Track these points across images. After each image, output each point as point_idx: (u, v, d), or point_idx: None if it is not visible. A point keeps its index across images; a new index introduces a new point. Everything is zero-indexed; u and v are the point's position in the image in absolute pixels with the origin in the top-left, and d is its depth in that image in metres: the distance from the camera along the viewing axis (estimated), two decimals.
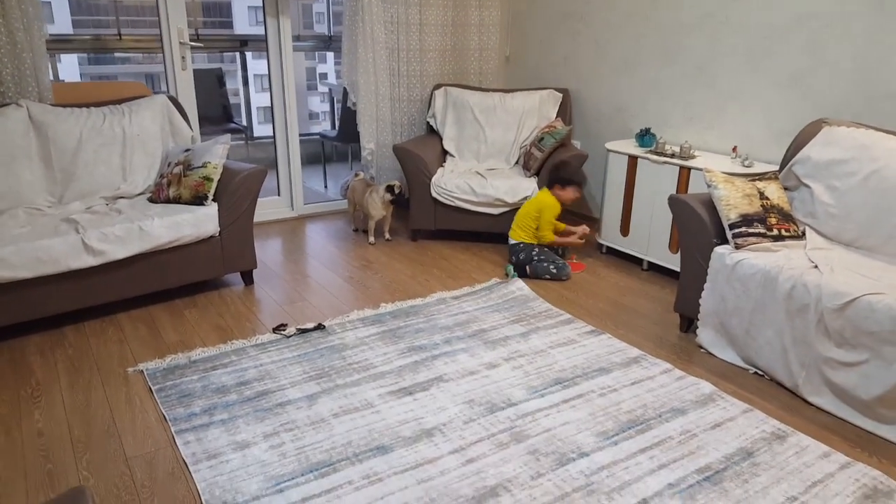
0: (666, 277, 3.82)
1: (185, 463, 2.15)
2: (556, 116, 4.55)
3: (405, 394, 2.56)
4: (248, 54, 7.23)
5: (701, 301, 2.92)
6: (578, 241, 3.89)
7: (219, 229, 3.39)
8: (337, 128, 6.01)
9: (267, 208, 4.82)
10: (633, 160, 3.83)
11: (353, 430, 2.32)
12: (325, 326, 3.11)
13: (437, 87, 4.74)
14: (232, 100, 6.44)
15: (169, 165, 3.49)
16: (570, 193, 3.82)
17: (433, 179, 4.19)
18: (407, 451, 2.21)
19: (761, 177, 3.01)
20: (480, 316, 3.25)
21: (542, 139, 4.26)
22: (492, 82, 5.12)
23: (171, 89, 4.22)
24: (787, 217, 2.89)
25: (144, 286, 3.23)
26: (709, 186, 2.90)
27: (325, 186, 6.04)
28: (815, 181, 2.96)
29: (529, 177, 4.21)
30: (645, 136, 3.92)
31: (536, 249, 3.81)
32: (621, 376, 2.71)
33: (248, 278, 3.67)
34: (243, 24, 17.25)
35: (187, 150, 3.50)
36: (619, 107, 4.43)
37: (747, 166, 3.48)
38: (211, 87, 5.89)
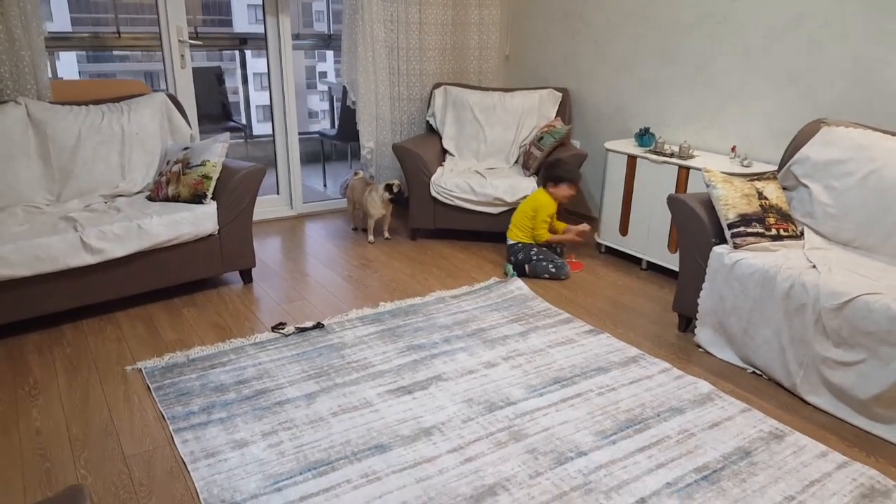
0: (665, 277, 3.82)
1: (184, 461, 2.15)
2: (556, 116, 4.55)
3: (404, 393, 2.56)
4: (248, 52, 7.22)
5: (699, 300, 2.93)
6: (575, 238, 3.89)
7: (218, 228, 3.39)
8: (336, 126, 6.01)
9: (266, 207, 4.82)
10: (632, 160, 3.83)
11: (352, 429, 2.32)
12: (323, 325, 3.11)
13: (437, 85, 4.74)
14: (231, 98, 6.44)
15: (168, 164, 3.49)
16: (563, 191, 3.83)
17: (432, 178, 4.19)
18: (405, 449, 2.21)
19: (760, 177, 3.01)
20: (479, 315, 3.25)
21: (541, 138, 4.26)
22: (491, 81, 5.12)
23: (170, 87, 4.22)
24: (785, 217, 2.89)
25: (143, 285, 3.23)
26: (707, 186, 2.90)
27: (325, 185, 6.04)
28: (814, 181, 2.96)
29: (529, 176, 4.21)
30: (644, 136, 3.92)
31: (535, 249, 3.81)
32: (620, 375, 2.71)
33: (246, 277, 3.67)
34: (243, 22, 17.23)
35: (186, 149, 3.50)
36: (619, 106, 4.43)
37: (746, 166, 3.48)
38: (210, 85, 5.88)
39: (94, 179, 3.47)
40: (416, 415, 2.41)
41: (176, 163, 3.43)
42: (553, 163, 3.90)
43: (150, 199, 3.44)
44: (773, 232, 2.82)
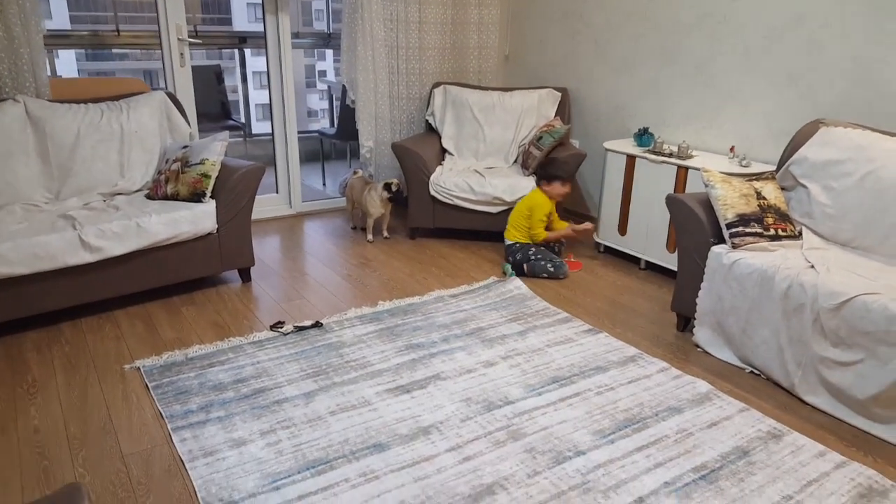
0: (663, 277, 3.83)
1: (182, 460, 2.15)
2: (555, 115, 4.56)
3: (402, 392, 2.56)
4: (247, 51, 7.21)
5: (698, 300, 2.93)
6: (570, 233, 3.89)
7: (216, 226, 3.39)
8: (336, 125, 6.01)
9: (265, 206, 4.82)
10: (631, 159, 3.83)
11: (350, 428, 2.32)
12: (322, 324, 3.11)
13: (437, 85, 4.74)
14: (230, 97, 6.44)
15: (167, 162, 3.49)
16: (557, 189, 3.83)
17: (432, 178, 4.19)
18: (404, 448, 2.21)
19: (758, 177, 3.01)
20: (478, 314, 3.26)
21: (540, 138, 4.26)
22: (491, 81, 5.12)
23: (169, 86, 4.21)
24: (783, 217, 2.90)
25: (142, 283, 3.22)
26: (706, 186, 2.90)
27: (324, 184, 6.04)
28: (812, 181, 2.97)
29: (528, 175, 4.21)
30: (643, 136, 3.92)
31: (533, 249, 3.81)
32: (618, 375, 2.71)
33: (245, 276, 3.67)
34: (242, 20, 17.23)
35: (185, 147, 3.50)
36: (618, 106, 4.43)
37: (745, 166, 3.49)
38: (209, 83, 5.88)
39: (93, 178, 3.46)
40: (414, 414, 2.41)
41: (175, 161, 3.43)
42: (545, 161, 3.92)
43: (148, 197, 3.44)
44: (772, 232, 2.82)
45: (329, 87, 7.72)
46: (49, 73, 3.62)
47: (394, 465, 2.13)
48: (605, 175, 4.01)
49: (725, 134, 3.80)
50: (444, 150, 4.64)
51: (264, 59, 4.60)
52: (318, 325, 3.10)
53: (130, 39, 5.36)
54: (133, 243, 3.09)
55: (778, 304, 2.57)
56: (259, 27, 4.59)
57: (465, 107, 4.60)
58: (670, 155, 3.70)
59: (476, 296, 3.48)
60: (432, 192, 4.19)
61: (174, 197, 3.36)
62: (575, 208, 4.88)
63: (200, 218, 3.29)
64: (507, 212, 4.04)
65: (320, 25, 15.33)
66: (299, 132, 4.81)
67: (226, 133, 3.53)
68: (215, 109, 5.94)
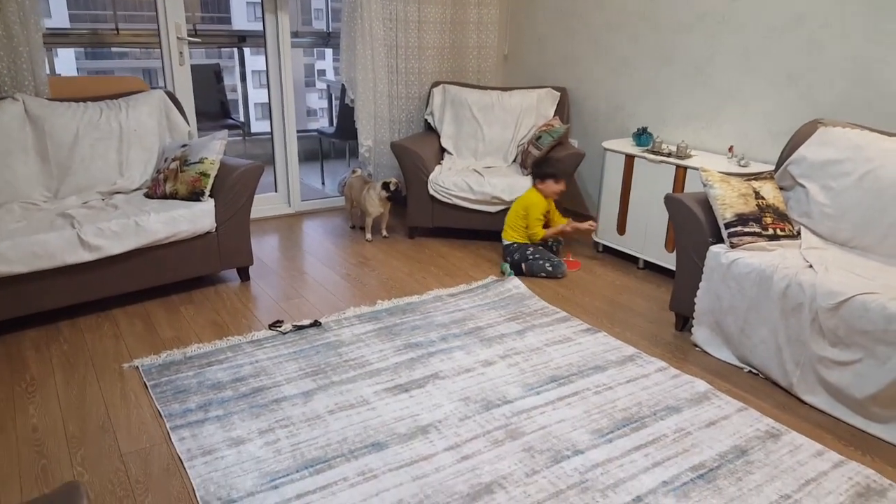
0: (662, 276, 3.83)
1: (180, 459, 2.15)
2: (554, 115, 4.56)
3: (401, 391, 2.56)
4: (247, 50, 7.21)
5: (696, 300, 2.93)
6: (567, 229, 3.88)
7: (215, 225, 3.39)
8: (335, 124, 6.00)
9: (264, 205, 4.82)
10: (629, 159, 3.84)
11: (349, 427, 2.33)
12: (321, 323, 3.11)
13: (436, 84, 4.74)
14: (230, 95, 6.43)
15: (166, 161, 3.49)
16: (551, 187, 3.83)
17: (431, 177, 4.19)
18: (402, 447, 2.22)
19: (757, 176, 3.01)
20: (477, 313, 3.26)
21: (539, 137, 4.26)
22: (490, 80, 5.12)
23: (168, 85, 4.21)
24: (782, 216, 2.90)
25: (140, 282, 3.22)
26: (705, 186, 2.91)
27: (323, 183, 6.04)
28: (811, 181, 2.97)
29: (527, 175, 4.21)
30: (642, 136, 3.92)
31: (531, 248, 3.81)
32: (616, 374, 2.71)
33: (244, 274, 3.67)
34: (241, 19, 17.23)
35: (184, 146, 3.50)
36: (617, 106, 4.43)
37: (743, 166, 3.49)
38: (208, 82, 5.87)
39: (92, 176, 3.46)
40: (412, 413, 2.42)
41: (174, 160, 3.43)
42: (539, 160, 3.92)
43: (147, 196, 3.44)
44: (770, 231, 2.82)
45: (328, 86, 7.72)
46: (48, 72, 3.61)
47: (392, 464, 2.13)
48: (604, 175, 4.01)
49: (724, 134, 3.80)
50: (442, 150, 4.64)
51: (263, 58, 4.59)
52: (316, 324, 3.10)
53: (130, 38, 5.35)
54: (132, 242, 3.09)
55: (776, 303, 2.57)
56: (258, 26, 4.59)
57: (465, 106, 4.60)
58: (669, 155, 3.70)
59: (475, 295, 3.48)
60: (431, 192, 4.19)
61: (173, 196, 3.36)
62: (574, 208, 4.88)
63: (199, 217, 3.29)
64: (506, 211, 4.04)
65: (319, 24, 15.33)
66: (298, 131, 4.81)
67: (225, 132, 3.53)
68: (214, 108, 5.94)
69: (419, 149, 4.25)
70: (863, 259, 2.70)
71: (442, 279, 3.72)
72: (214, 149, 3.41)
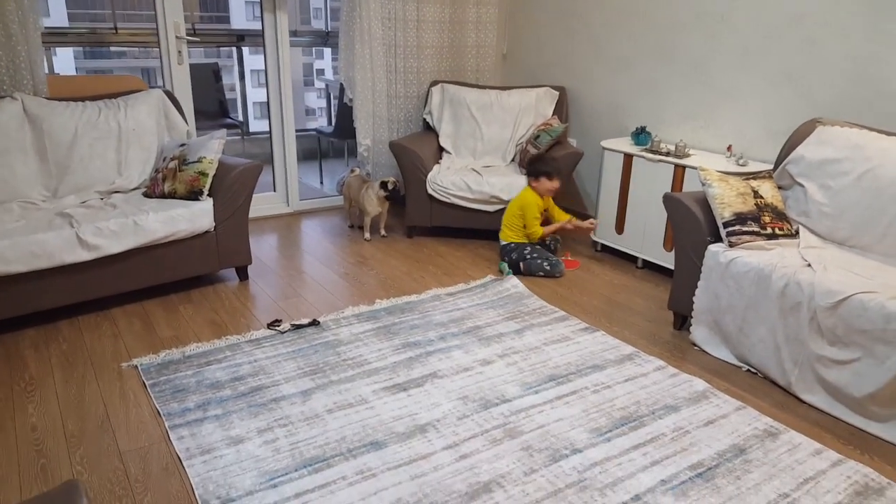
0: (660, 275, 3.83)
1: (179, 458, 2.15)
2: (553, 114, 4.56)
3: (399, 390, 2.56)
4: (245, 49, 7.21)
5: (695, 299, 2.93)
6: (566, 226, 3.88)
7: (214, 224, 3.38)
8: (333, 124, 6.01)
9: (262, 204, 4.82)
10: (628, 158, 3.84)
11: (347, 426, 2.33)
12: (319, 322, 3.11)
13: (434, 83, 4.74)
14: (228, 95, 6.43)
15: (164, 160, 3.49)
16: (545, 184, 3.83)
17: (429, 176, 4.19)
18: (400, 446, 2.22)
19: (755, 175, 3.02)
20: (475, 313, 3.26)
21: (538, 136, 4.26)
22: (489, 79, 5.12)
23: (167, 84, 4.21)
24: (780, 216, 2.90)
25: (139, 281, 3.22)
26: (703, 185, 2.91)
27: (321, 182, 6.04)
28: (809, 180, 2.97)
29: (524, 174, 4.21)
30: (640, 135, 3.92)
31: (528, 248, 3.81)
32: (615, 373, 2.72)
33: (242, 274, 3.67)
34: (240, 18, 17.20)
35: (183, 145, 3.50)
36: (615, 105, 4.43)
37: (742, 165, 3.49)
38: (207, 81, 5.87)
39: (91, 175, 3.46)
40: (411, 412, 2.42)
41: (172, 159, 3.43)
42: (533, 158, 3.92)
43: (146, 195, 3.44)
44: (769, 231, 2.83)
45: (327, 85, 7.72)
46: (47, 71, 3.61)
47: (391, 463, 2.13)
48: (603, 174, 4.01)
49: (723, 133, 3.81)
50: (441, 149, 4.64)
51: (262, 57, 4.59)
52: (315, 323, 3.10)
53: (128, 37, 5.35)
54: (130, 241, 3.08)
55: (775, 302, 2.57)
56: (257, 25, 4.58)
57: (463, 105, 4.60)
58: (667, 154, 3.70)
59: (473, 294, 3.48)
60: (430, 191, 4.19)
61: (171, 195, 3.36)
62: (572, 207, 4.88)
63: (198, 216, 3.29)
64: (505, 210, 4.04)
65: (318, 24, 15.31)
66: (297, 130, 4.81)
67: (223, 131, 3.53)
68: (213, 107, 5.94)
69: (418, 148, 4.25)
70: (861, 258, 2.70)
71: (440, 278, 3.72)
72: (213, 148, 3.41)
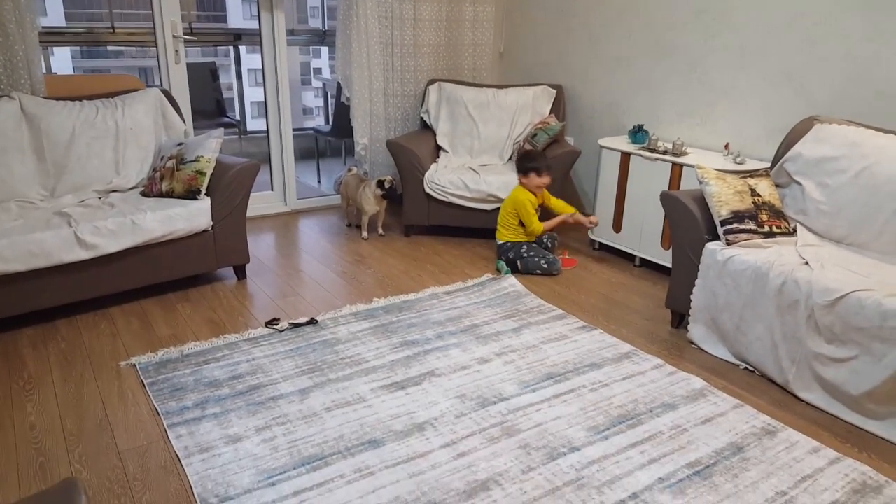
0: (658, 274, 3.84)
1: (178, 456, 2.16)
2: (550, 112, 4.56)
3: (397, 388, 2.56)
4: (242, 48, 7.21)
5: (692, 297, 2.94)
6: (568, 220, 3.87)
7: (211, 223, 3.38)
8: (330, 123, 6.01)
9: (260, 203, 4.82)
10: (625, 157, 3.84)
11: (345, 425, 2.33)
12: (317, 321, 3.11)
13: (431, 82, 4.74)
14: (225, 94, 6.42)
15: (162, 159, 3.49)
16: (534, 180, 3.82)
17: (426, 175, 4.20)
18: (398, 445, 2.22)
19: (753, 174, 3.02)
20: (472, 311, 3.26)
21: (535, 135, 4.27)
22: (486, 78, 5.12)
23: (164, 83, 4.21)
24: (778, 214, 2.91)
25: (137, 280, 3.22)
26: (701, 183, 2.91)
27: (319, 181, 6.04)
28: (807, 178, 2.98)
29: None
30: (638, 133, 3.93)
31: (525, 246, 3.81)
32: (612, 371, 2.72)
33: (240, 273, 3.67)
34: (237, 17, 17.17)
35: (180, 144, 3.49)
36: (613, 103, 4.43)
37: (739, 163, 3.50)
38: (204, 81, 5.87)
39: (88, 175, 3.46)
40: (409, 410, 2.42)
41: (170, 158, 3.43)
42: (522, 155, 3.91)
43: (143, 194, 3.44)
44: (766, 229, 2.83)
45: (324, 84, 7.72)
46: (44, 70, 3.61)
47: (388, 461, 2.13)
48: (600, 172, 4.02)
49: (720, 131, 3.81)
50: (438, 148, 4.64)
51: (259, 56, 4.59)
52: (313, 321, 3.10)
53: (125, 37, 5.35)
54: (128, 240, 3.08)
55: (772, 300, 2.58)
56: (254, 24, 4.58)
57: (460, 104, 4.61)
58: (665, 152, 3.70)
59: (471, 293, 3.48)
60: (427, 190, 4.19)
61: (169, 194, 3.36)
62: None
63: (195, 215, 3.29)
64: None
65: (315, 23, 15.30)
66: (294, 129, 4.81)
67: (221, 130, 3.53)
68: (210, 107, 5.94)
69: (415, 147, 4.25)
70: (858, 256, 2.71)
71: (438, 277, 3.72)
72: (210, 147, 3.40)
